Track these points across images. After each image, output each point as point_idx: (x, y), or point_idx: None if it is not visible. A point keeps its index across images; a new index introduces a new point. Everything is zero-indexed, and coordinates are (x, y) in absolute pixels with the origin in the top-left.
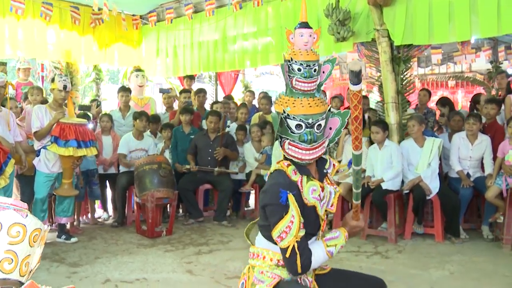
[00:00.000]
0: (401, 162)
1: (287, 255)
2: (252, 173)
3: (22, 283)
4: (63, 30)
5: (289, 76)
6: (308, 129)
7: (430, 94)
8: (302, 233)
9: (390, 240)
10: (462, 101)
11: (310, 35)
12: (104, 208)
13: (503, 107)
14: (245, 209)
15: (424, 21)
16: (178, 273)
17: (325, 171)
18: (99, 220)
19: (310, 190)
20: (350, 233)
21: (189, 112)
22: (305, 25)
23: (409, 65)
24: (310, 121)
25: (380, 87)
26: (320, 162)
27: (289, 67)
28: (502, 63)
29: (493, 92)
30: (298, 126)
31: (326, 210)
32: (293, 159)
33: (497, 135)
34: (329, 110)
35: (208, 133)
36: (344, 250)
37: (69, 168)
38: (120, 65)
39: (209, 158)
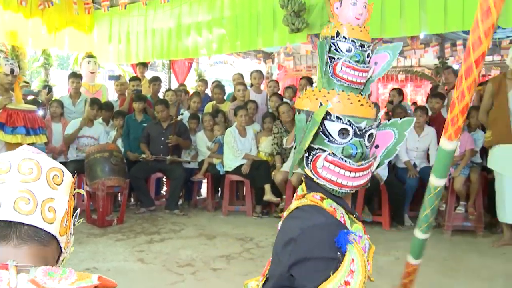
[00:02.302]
0: None
1: None
2: (204, 162)
3: (55, 238)
4: (7, 12)
5: (330, 59)
6: (358, 139)
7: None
8: None
9: None
10: (411, 94)
11: (365, 6)
12: None
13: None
14: (197, 198)
15: (376, 16)
16: (130, 262)
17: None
18: None
19: (357, 237)
20: None
21: (142, 100)
22: None
23: None
24: (362, 125)
25: None
26: None
27: (331, 46)
28: (448, 59)
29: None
30: (343, 132)
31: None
32: (329, 184)
33: (442, 128)
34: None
35: (160, 121)
36: None
37: None
38: (70, 50)
39: (161, 146)
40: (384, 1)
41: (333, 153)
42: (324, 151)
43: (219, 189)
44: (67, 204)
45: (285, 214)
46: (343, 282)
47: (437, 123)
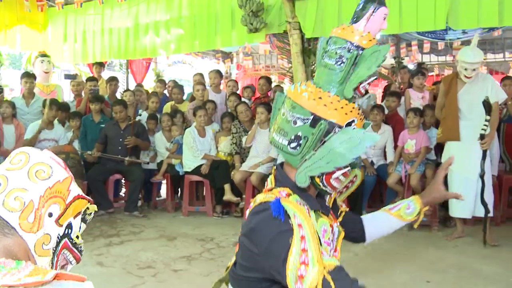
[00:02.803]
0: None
1: None
2: (163, 162)
3: (11, 226)
4: None
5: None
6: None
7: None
8: (333, 261)
9: None
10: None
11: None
12: None
13: (403, 99)
14: (157, 199)
15: (334, 16)
16: (88, 266)
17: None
18: None
19: (322, 231)
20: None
21: (99, 100)
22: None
23: None
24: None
25: (291, 78)
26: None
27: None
28: (403, 59)
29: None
30: None
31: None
32: (330, 190)
33: (398, 126)
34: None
35: (118, 122)
36: None
37: None
38: (23, 49)
39: (119, 147)
40: (342, 1)
41: (346, 166)
42: (344, 168)
43: (179, 189)
44: (39, 199)
45: (251, 205)
46: (300, 251)
47: (393, 121)
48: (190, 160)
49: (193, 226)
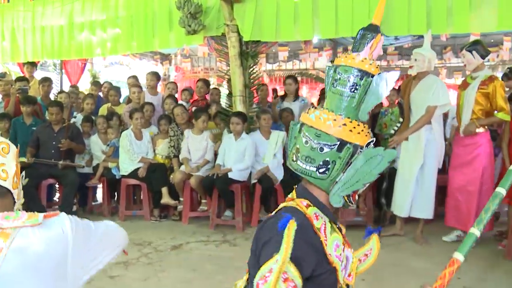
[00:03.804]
0: (253, 157)
1: None
2: (99, 166)
3: (10, 191)
4: None
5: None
6: None
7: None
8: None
9: (238, 228)
10: (306, 96)
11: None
12: None
13: None
14: (93, 203)
15: (272, 19)
16: None
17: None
18: None
19: (334, 245)
20: None
21: (31, 102)
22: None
23: (257, 60)
24: None
25: (229, 80)
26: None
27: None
28: None
29: None
30: None
31: (343, 280)
32: (353, 204)
33: None
34: None
35: (52, 124)
36: (194, 240)
37: None
38: None
39: (53, 151)
40: (280, 6)
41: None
42: (365, 184)
43: (115, 193)
44: (15, 166)
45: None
46: (269, 268)
47: None
48: (126, 164)
49: (130, 231)
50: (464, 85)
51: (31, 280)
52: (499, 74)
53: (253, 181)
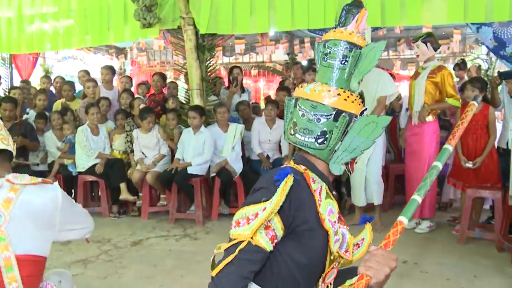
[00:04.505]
0: (212, 150)
1: (226, 246)
2: (55, 163)
3: (9, 151)
4: None
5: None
6: None
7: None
8: (267, 246)
9: (198, 222)
10: (263, 88)
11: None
12: None
13: None
14: None
15: (228, 12)
16: None
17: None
18: None
19: (328, 209)
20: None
21: None
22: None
23: (213, 53)
24: None
25: (186, 74)
26: None
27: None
28: (297, 55)
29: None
30: None
31: (337, 253)
32: (351, 171)
33: None
34: None
35: (3, 121)
36: (154, 235)
37: None
38: None
39: None
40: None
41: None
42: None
43: (72, 190)
44: (6, 134)
45: None
46: (255, 213)
47: None
48: (83, 160)
49: None
50: (415, 76)
51: (31, 224)
52: (450, 65)
53: (212, 174)
